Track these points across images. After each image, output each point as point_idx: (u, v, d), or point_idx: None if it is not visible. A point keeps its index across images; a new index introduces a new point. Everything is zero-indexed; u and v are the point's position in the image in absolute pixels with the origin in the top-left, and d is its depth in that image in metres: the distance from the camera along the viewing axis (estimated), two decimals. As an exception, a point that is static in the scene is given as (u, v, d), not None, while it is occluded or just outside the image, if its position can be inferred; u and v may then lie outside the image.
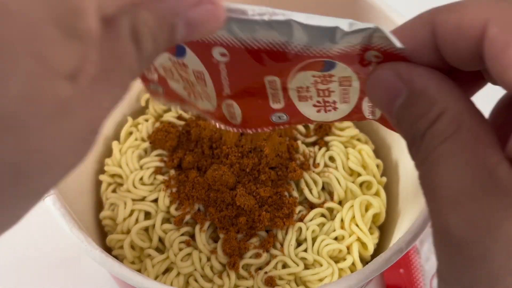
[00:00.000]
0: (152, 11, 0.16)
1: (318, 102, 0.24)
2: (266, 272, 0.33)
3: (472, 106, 0.17)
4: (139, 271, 0.34)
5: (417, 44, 0.18)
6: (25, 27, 0.13)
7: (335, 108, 0.24)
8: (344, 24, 0.18)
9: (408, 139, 0.18)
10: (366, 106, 0.24)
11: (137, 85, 0.40)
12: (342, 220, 0.35)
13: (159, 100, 0.26)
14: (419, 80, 0.17)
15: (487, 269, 0.15)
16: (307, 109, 0.24)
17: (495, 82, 0.19)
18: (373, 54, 0.19)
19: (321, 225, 0.35)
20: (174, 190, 0.35)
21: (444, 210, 0.16)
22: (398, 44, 0.17)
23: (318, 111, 0.24)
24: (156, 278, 0.34)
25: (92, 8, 0.14)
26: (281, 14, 0.18)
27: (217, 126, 0.26)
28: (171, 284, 0.33)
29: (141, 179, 0.36)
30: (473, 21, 0.16)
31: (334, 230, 0.34)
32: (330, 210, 0.36)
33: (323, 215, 0.35)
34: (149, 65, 0.18)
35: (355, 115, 0.25)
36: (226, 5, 0.18)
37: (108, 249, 0.35)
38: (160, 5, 0.16)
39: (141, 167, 0.37)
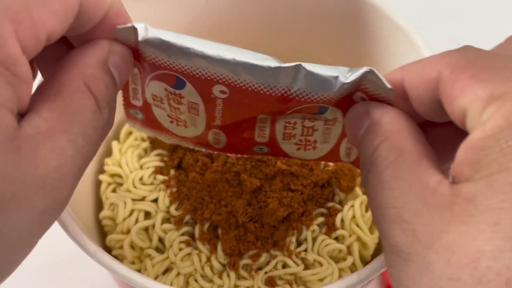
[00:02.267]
0: (93, 64, 0.18)
1: (300, 141, 0.25)
2: (266, 272, 0.33)
3: (417, 135, 0.19)
4: (139, 271, 0.34)
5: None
6: None
7: (314, 148, 0.26)
8: (344, 73, 0.20)
9: (361, 165, 0.20)
10: (343, 148, 0.25)
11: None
12: (342, 220, 0.35)
13: (134, 125, 0.27)
14: (378, 111, 0.19)
15: (430, 278, 0.16)
16: (288, 147, 0.26)
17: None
18: (360, 96, 0.21)
19: (321, 225, 0.35)
20: (174, 190, 0.35)
21: (392, 229, 0.17)
22: (387, 85, 0.19)
23: (298, 149, 0.26)
24: (156, 278, 0.34)
25: (12, 36, 0.15)
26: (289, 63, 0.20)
27: (197, 148, 0.27)
28: (171, 284, 0.33)
29: (141, 179, 0.36)
30: (432, 69, 0.18)
31: (335, 230, 0.34)
32: (330, 209, 0.36)
33: (323, 215, 0.35)
34: (109, 111, 0.20)
35: (331, 156, 0.26)
36: (237, 51, 0.19)
37: (108, 249, 0.35)
38: (92, 58, 0.18)
39: (141, 167, 0.37)
